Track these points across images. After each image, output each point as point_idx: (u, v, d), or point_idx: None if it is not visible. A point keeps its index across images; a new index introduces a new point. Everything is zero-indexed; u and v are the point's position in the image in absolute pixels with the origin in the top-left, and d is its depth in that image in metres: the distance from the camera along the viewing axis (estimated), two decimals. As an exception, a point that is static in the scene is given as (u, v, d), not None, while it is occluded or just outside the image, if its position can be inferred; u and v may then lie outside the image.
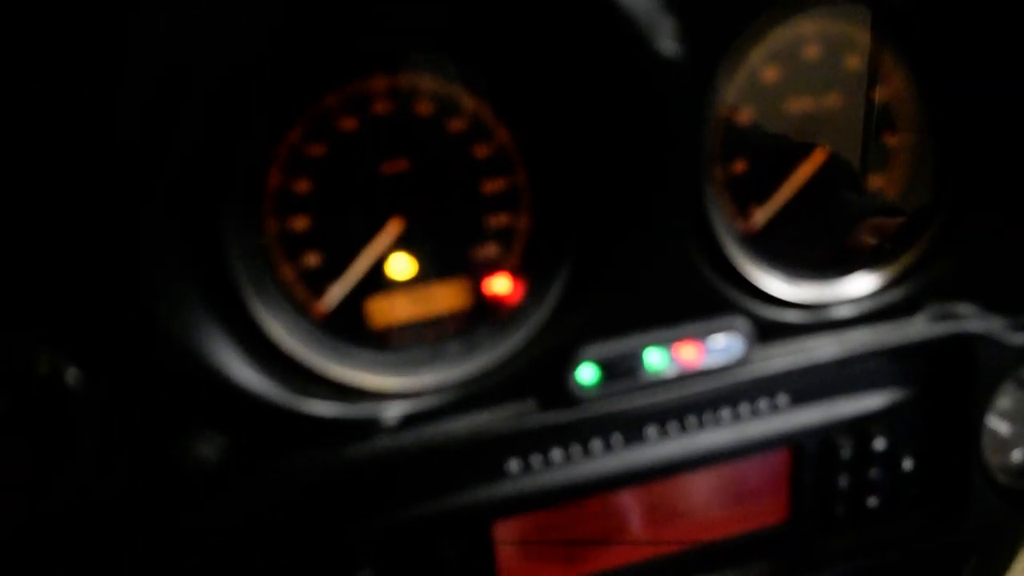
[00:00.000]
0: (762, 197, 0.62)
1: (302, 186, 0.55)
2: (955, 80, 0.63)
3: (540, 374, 0.58)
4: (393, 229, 0.56)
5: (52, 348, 0.49)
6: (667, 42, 0.51)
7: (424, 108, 0.56)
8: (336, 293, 0.56)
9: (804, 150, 0.62)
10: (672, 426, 0.64)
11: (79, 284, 0.48)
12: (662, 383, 0.60)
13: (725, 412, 0.65)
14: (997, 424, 0.74)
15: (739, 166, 0.61)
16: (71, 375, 0.48)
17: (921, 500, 0.72)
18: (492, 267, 0.59)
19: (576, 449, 0.62)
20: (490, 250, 0.59)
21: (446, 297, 0.59)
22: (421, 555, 0.62)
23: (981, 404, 0.69)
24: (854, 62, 0.62)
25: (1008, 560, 0.77)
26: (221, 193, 0.52)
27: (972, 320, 0.66)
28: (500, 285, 0.59)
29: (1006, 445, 0.74)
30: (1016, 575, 0.84)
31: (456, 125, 0.57)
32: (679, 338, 0.59)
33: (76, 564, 0.55)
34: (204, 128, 0.49)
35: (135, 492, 0.54)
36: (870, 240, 0.65)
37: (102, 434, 0.51)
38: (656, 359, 0.59)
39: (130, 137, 0.47)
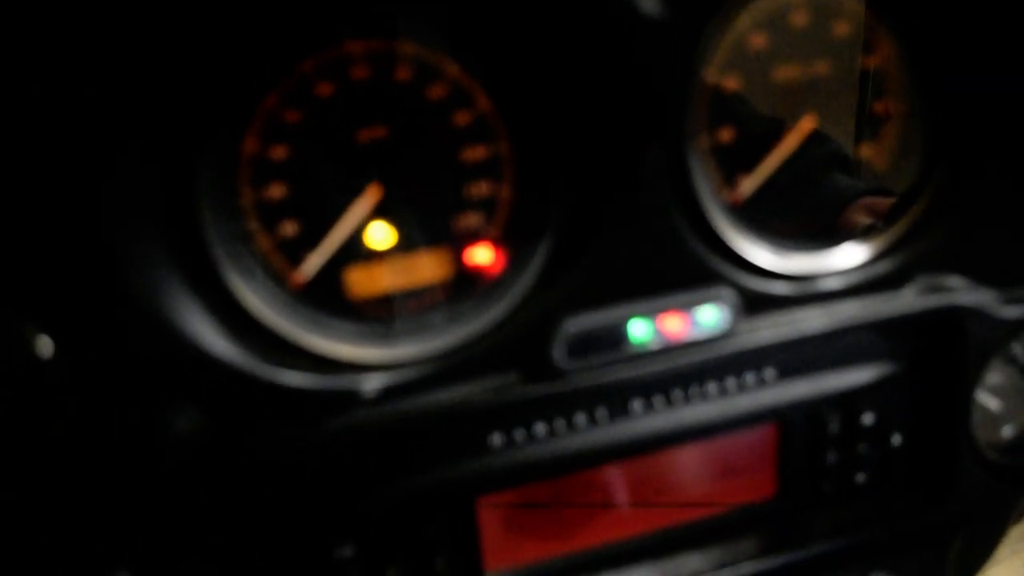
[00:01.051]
0: (749, 166, 0.61)
1: (279, 153, 0.54)
2: (950, 64, 0.62)
3: (523, 346, 0.57)
4: (371, 196, 0.55)
5: (23, 317, 0.48)
6: (650, 2, 0.50)
7: (403, 74, 0.55)
8: (314, 262, 0.55)
9: (792, 119, 0.61)
10: (657, 400, 0.63)
11: (45, 249, 0.47)
12: (647, 355, 0.59)
13: (711, 386, 0.64)
14: (987, 400, 0.73)
15: (725, 134, 0.60)
16: (43, 345, 0.47)
17: (910, 476, 0.72)
18: (474, 237, 0.58)
19: (560, 423, 0.61)
20: (471, 220, 0.58)
21: (427, 267, 0.58)
22: (403, 532, 0.61)
23: (970, 379, 0.68)
24: (843, 29, 0.61)
25: (997, 537, 0.76)
26: (195, 161, 0.51)
27: (962, 293, 0.65)
28: (482, 255, 0.58)
29: (996, 421, 0.74)
30: (1005, 552, 0.84)
31: (436, 91, 0.56)
32: (664, 309, 0.58)
33: (52, 539, 0.54)
34: (177, 89, 0.48)
35: (110, 467, 0.53)
36: (859, 211, 0.65)
37: (77, 407, 0.50)
38: (640, 330, 0.58)
39: (99, 93, 0.46)
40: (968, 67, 0.62)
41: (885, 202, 0.65)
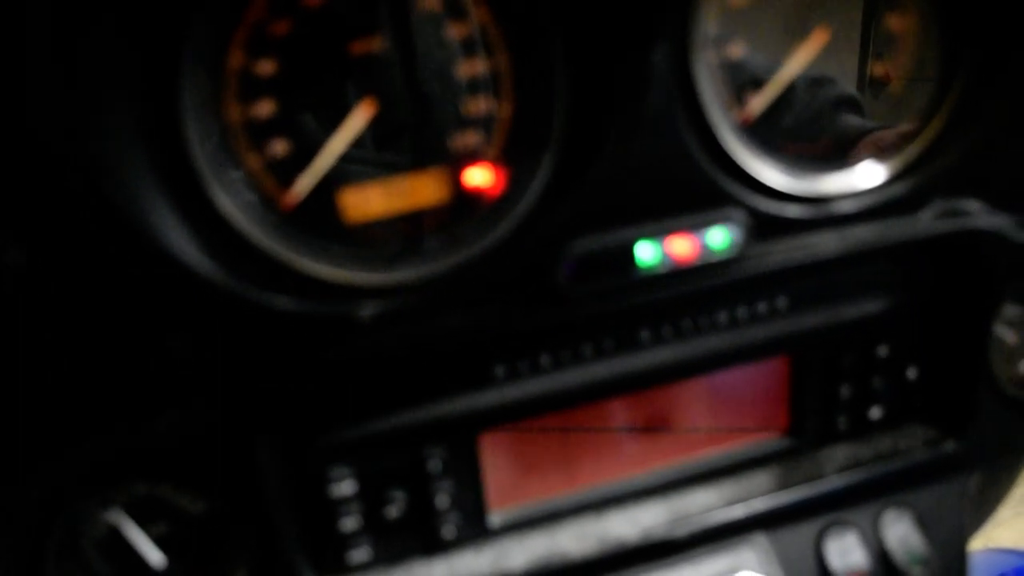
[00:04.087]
0: (758, 83, 0.58)
1: (266, 67, 0.51)
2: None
3: (525, 270, 0.55)
4: (364, 113, 0.52)
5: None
6: None
7: (397, -18, 0.52)
8: (305, 183, 0.52)
9: (802, 32, 0.58)
10: (666, 330, 0.61)
11: (24, 158, 0.45)
12: (654, 280, 0.56)
13: (722, 315, 0.62)
14: (1004, 333, 0.71)
15: (734, 50, 0.57)
16: (13, 254, 0.44)
17: (926, 411, 0.70)
18: (472, 157, 0.55)
19: (565, 354, 0.59)
20: (470, 139, 0.55)
21: (423, 189, 0.55)
22: (404, 468, 0.59)
23: (989, 307, 0.66)
24: (855, -64, 0.59)
25: (1015, 473, 0.75)
26: (176, 72, 0.48)
27: (980, 216, 0.63)
28: (481, 176, 0.56)
29: (1014, 355, 0.71)
30: (1008, 513, 0.82)
31: (431, 2, 0.53)
32: (672, 231, 0.56)
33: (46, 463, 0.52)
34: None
35: (95, 396, 0.51)
36: (873, 131, 0.62)
37: (58, 324, 0.48)
38: (648, 253, 0.56)
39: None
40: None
41: (898, 111, 0.62)
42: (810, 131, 0.62)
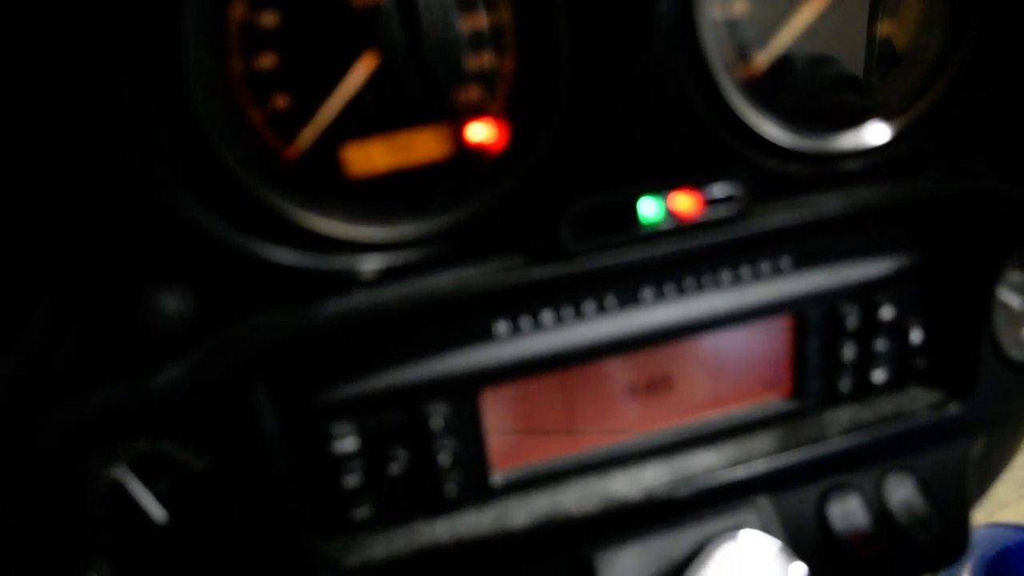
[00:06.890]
0: (763, 40, 0.58)
1: (269, 19, 0.51)
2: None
3: (528, 226, 0.55)
4: (366, 66, 0.52)
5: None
6: None
7: (398, -67, 0.52)
8: (307, 136, 0.52)
9: (809, -12, 0.58)
10: (669, 288, 0.60)
11: (32, 124, 0.44)
12: (657, 236, 0.56)
13: (725, 274, 0.61)
14: (1009, 298, 0.71)
15: (738, 6, 0.57)
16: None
17: (929, 375, 0.69)
18: (475, 112, 0.55)
19: (568, 311, 0.59)
20: (472, 94, 0.55)
21: (426, 144, 0.55)
22: (405, 425, 0.59)
23: (993, 271, 0.66)
24: None
25: (1018, 438, 0.74)
26: (178, 22, 0.48)
27: (985, 178, 0.62)
28: (483, 131, 0.55)
29: (1018, 319, 0.71)
30: (1012, 495, 0.82)
31: (433, -46, 0.52)
32: (675, 187, 0.56)
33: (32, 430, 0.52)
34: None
35: (96, 351, 0.51)
36: (879, 89, 0.61)
37: (59, 274, 0.48)
38: (651, 209, 0.56)
39: None
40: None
41: (904, 69, 0.61)
42: (817, 84, 0.61)
